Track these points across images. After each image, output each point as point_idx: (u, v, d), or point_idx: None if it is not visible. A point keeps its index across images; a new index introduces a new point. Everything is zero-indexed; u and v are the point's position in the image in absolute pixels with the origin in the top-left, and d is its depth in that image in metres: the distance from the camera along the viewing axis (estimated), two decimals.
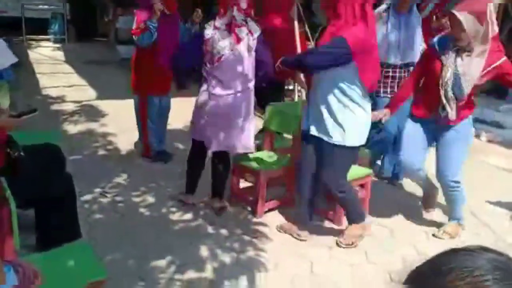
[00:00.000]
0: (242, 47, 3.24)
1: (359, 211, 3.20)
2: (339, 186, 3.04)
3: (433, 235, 3.38)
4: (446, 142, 3.19)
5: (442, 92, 3.01)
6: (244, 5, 3.24)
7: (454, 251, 0.77)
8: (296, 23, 4.93)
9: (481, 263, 0.70)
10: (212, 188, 3.59)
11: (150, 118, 4.37)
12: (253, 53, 3.28)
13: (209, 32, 3.26)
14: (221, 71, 3.26)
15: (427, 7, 6.45)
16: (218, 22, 3.26)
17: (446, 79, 2.99)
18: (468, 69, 2.95)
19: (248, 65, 3.28)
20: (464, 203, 3.39)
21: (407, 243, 3.28)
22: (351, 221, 3.19)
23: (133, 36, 4.15)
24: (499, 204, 3.94)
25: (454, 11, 2.87)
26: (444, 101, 3.02)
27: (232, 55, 3.23)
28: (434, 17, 6.39)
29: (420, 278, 0.76)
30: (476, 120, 6.19)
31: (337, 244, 3.17)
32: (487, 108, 6.36)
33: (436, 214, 3.67)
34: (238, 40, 3.23)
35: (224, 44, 3.22)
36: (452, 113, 3.05)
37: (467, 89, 3.00)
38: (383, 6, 3.90)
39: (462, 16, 2.84)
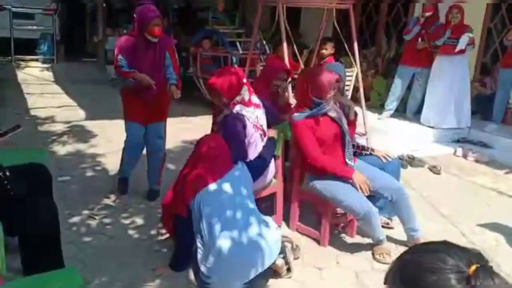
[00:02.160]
0: None
1: None
2: None
3: None
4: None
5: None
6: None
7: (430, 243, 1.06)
8: (285, 44, 5.00)
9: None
10: None
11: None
12: None
13: None
14: None
15: (413, 29, 6.59)
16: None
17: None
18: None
19: None
20: None
21: None
22: None
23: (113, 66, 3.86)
24: (486, 223, 3.96)
25: None
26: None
27: None
28: (420, 39, 6.53)
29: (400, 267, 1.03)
30: (463, 141, 6.29)
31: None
32: (473, 129, 6.46)
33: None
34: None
35: None
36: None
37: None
38: None
39: None
